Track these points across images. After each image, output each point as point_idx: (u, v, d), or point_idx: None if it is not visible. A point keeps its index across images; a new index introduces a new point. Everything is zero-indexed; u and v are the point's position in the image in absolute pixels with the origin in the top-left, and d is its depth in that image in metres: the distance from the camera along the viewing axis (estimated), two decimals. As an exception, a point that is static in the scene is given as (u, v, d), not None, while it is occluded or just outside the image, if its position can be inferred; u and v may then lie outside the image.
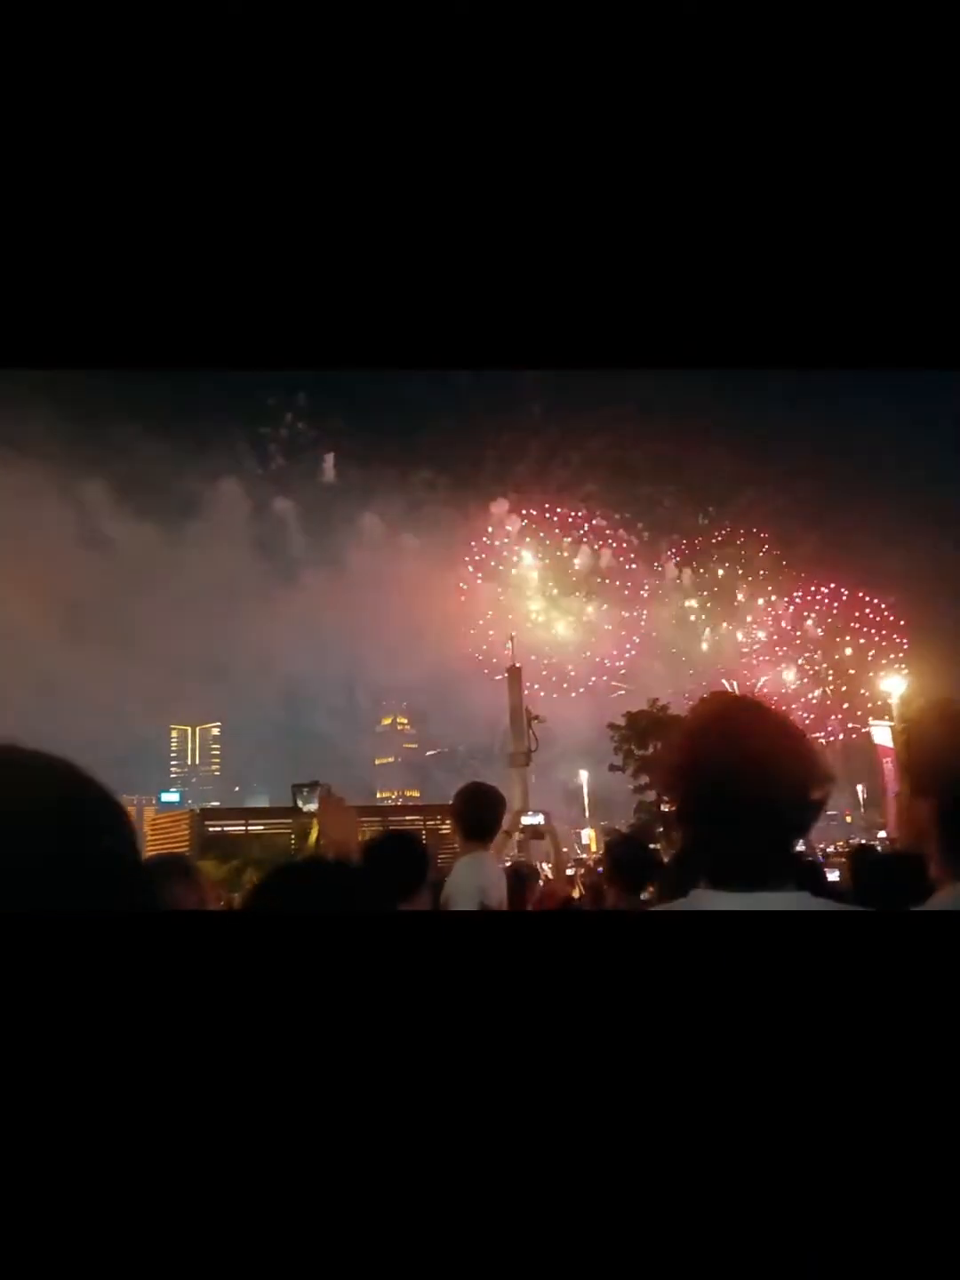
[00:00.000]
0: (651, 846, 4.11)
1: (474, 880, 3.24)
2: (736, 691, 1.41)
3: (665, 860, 3.76)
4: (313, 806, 3.00)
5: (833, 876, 5.35)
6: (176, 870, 2.06)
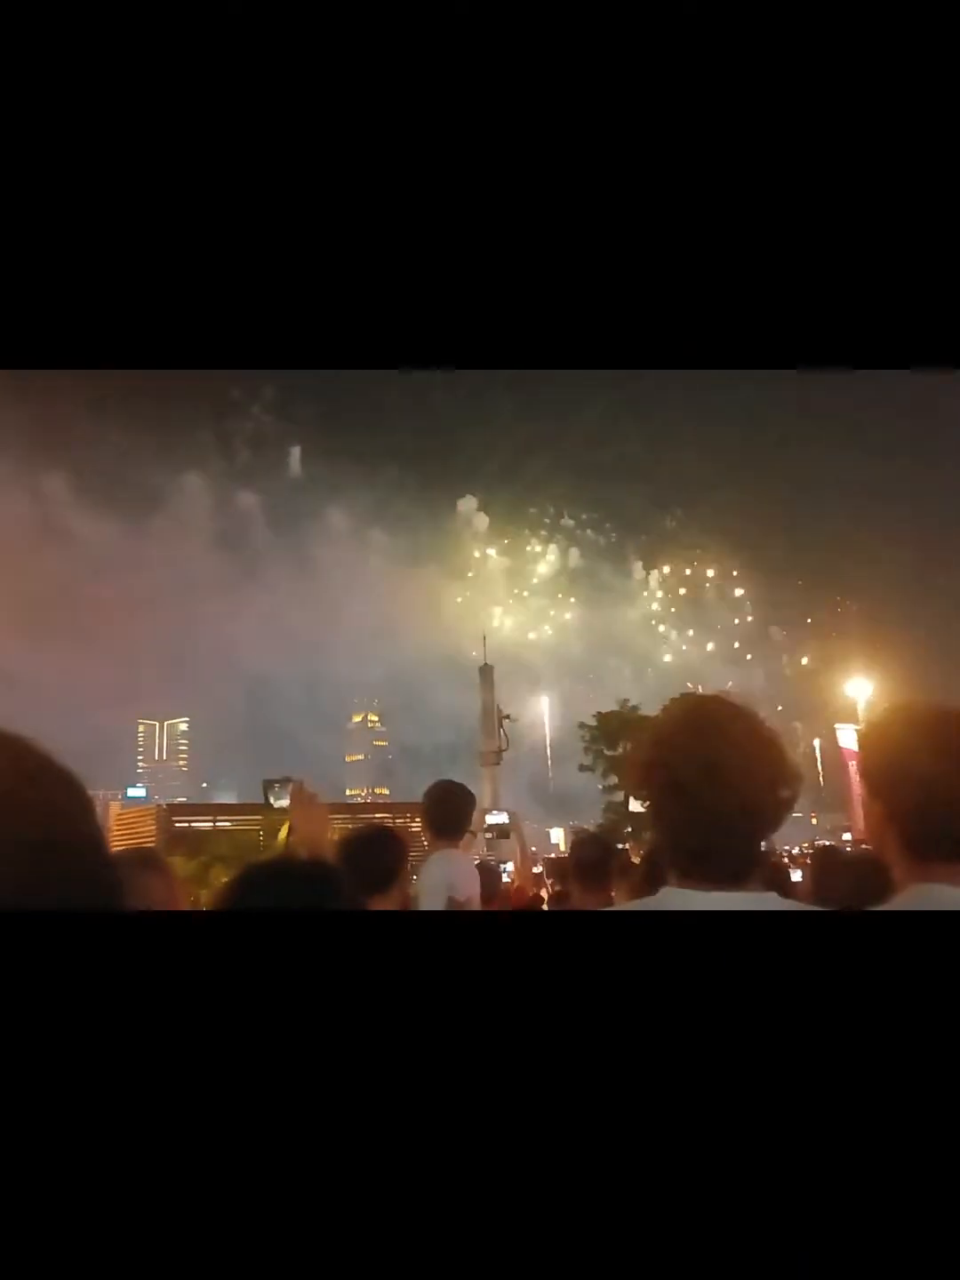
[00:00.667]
0: (619, 846, 4.14)
1: (442, 877, 3.24)
2: (705, 692, 1.41)
3: (634, 860, 3.79)
4: (284, 802, 2.98)
5: (796, 876, 5.41)
6: (145, 862, 2.04)
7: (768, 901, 1.26)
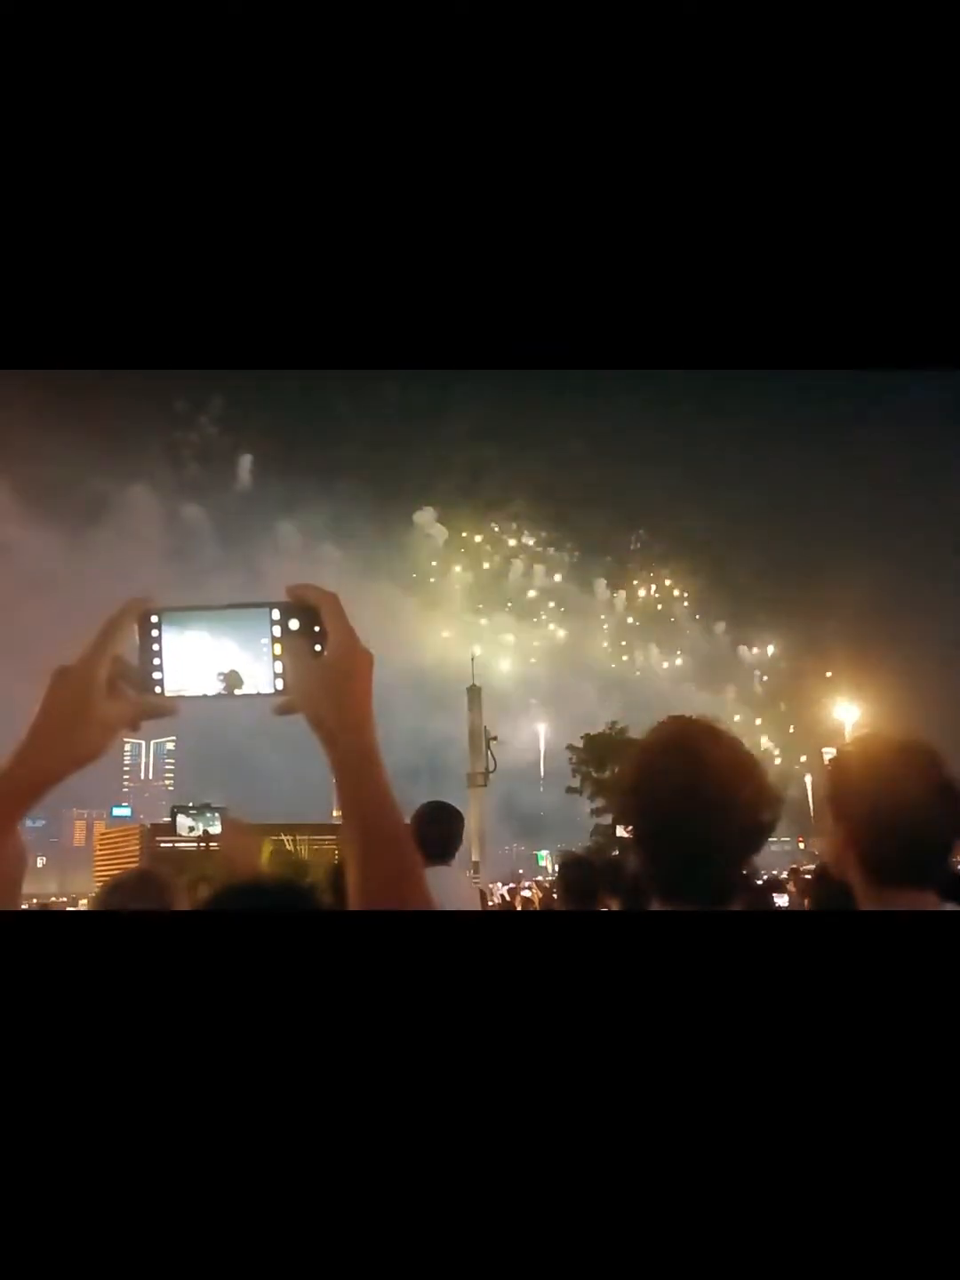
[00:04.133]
0: (604, 867, 4.13)
1: (435, 895, 3.26)
2: (692, 716, 1.43)
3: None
4: (215, 827, 2.99)
5: (781, 901, 5.41)
6: (153, 887, 2.02)
7: (749, 923, 1.28)
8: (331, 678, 0.89)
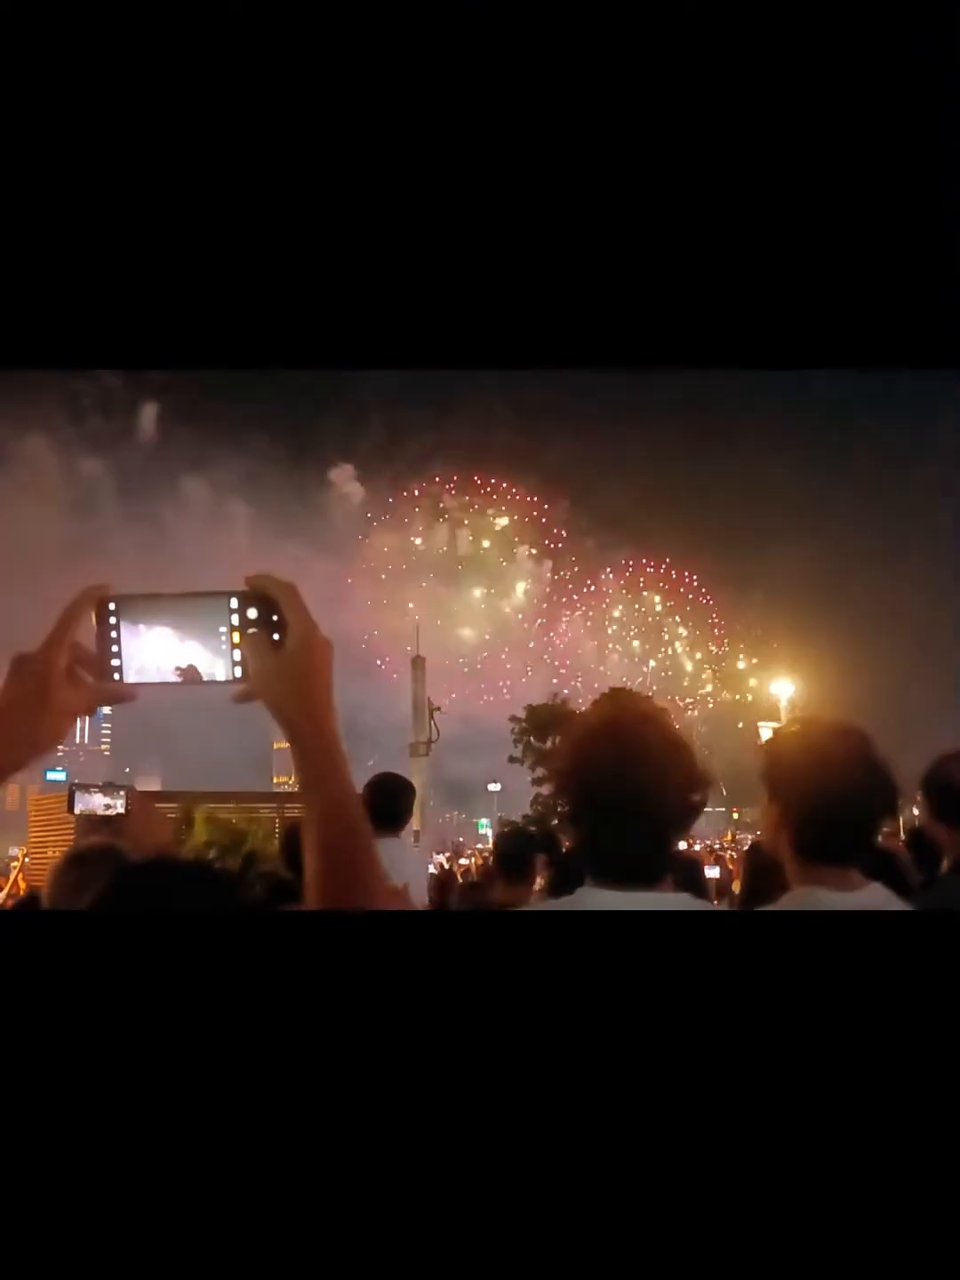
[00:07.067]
0: (542, 839, 4.19)
1: (389, 868, 3.27)
2: (626, 693, 1.48)
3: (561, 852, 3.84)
4: (116, 805, 2.94)
5: (712, 872, 5.56)
6: (119, 859, 1.99)
7: (679, 901, 1.33)
8: (292, 668, 0.90)
